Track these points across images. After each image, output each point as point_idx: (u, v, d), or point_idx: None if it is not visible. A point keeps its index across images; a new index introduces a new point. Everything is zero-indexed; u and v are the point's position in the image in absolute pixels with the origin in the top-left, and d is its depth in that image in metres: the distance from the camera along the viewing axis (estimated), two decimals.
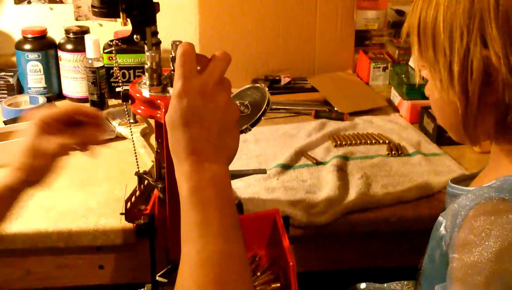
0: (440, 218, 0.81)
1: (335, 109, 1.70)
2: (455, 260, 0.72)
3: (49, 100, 1.70)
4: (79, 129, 0.99)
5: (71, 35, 1.72)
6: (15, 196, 0.95)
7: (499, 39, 0.73)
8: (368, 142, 1.51)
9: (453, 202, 0.78)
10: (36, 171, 0.96)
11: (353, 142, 1.51)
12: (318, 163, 1.40)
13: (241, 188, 1.28)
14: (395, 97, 1.74)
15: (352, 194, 1.26)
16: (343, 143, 1.50)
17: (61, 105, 1.15)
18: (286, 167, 1.37)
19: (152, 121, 1.46)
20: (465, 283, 0.69)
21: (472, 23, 0.74)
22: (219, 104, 0.74)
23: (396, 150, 1.45)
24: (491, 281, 0.67)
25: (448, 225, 0.77)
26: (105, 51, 1.68)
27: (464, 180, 0.92)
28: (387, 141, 1.51)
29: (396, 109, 1.73)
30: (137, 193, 1.14)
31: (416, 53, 0.84)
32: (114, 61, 1.40)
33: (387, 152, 1.45)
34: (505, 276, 0.67)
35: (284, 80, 1.86)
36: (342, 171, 1.35)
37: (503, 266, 0.67)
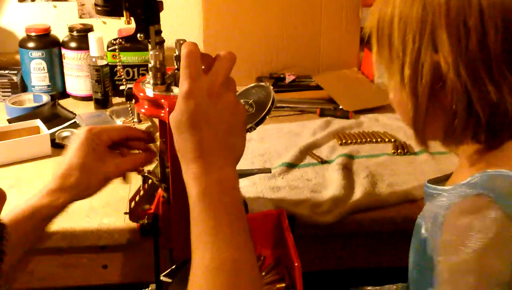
0: (418, 220, 0.82)
1: (340, 107, 1.69)
2: (441, 263, 0.72)
3: (53, 98, 1.70)
4: (128, 150, 1.00)
5: (74, 33, 1.72)
6: (58, 213, 0.95)
7: (448, 45, 0.74)
8: (374, 140, 1.50)
9: (430, 203, 0.78)
10: (90, 190, 0.96)
11: (359, 140, 1.50)
12: (323, 161, 1.39)
13: (246, 187, 1.27)
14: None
15: (358, 193, 1.25)
16: (349, 141, 1.49)
17: (113, 126, 1.16)
18: (291, 166, 1.37)
19: (156, 120, 1.46)
20: (454, 284, 0.69)
21: (424, 27, 0.75)
22: (227, 105, 0.73)
23: (402, 148, 1.45)
24: (479, 279, 0.67)
25: (429, 227, 0.77)
26: (109, 49, 1.68)
27: (442, 180, 0.91)
28: (393, 140, 1.50)
29: None
30: (141, 193, 1.13)
31: (374, 52, 0.85)
32: (118, 60, 1.40)
33: (393, 151, 1.44)
34: (491, 272, 0.67)
35: (289, 78, 1.85)
36: (347, 170, 1.34)
37: (489, 262, 0.67)
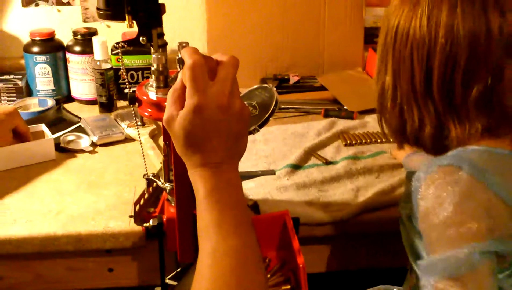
0: (401, 204, 0.99)
1: (345, 107, 1.69)
2: (426, 229, 0.83)
3: (58, 102, 1.70)
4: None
5: (79, 37, 1.72)
6: None
7: (391, 71, 0.92)
8: (379, 140, 1.50)
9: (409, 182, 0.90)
10: None
11: (363, 141, 1.49)
12: (328, 162, 1.39)
13: (253, 188, 1.27)
14: None
15: (369, 192, 1.25)
16: (353, 142, 1.49)
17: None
18: (295, 167, 1.36)
19: (160, 123, 1.46)
20: (441, 240, 0.80)
21: (385, 51, 0.94)
22: (235, 113, 0.74)
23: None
24: (461, 230, 0.78)
25: (412, 204, 0.88)
26: (113, 52, 1.68)
27: None
28: None
29: None
30: (146, 196, 1.13)
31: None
32: (121, 63, 1.40)
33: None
34: (469, 223, 0.78)
35: (293, 79, 1.85)
36: (353, 170, 1.34)
37: (464, 217, 0.79)
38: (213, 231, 0.72)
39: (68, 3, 1.86)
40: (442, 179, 0.82)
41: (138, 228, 1.12)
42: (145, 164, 1.11)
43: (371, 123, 1.61)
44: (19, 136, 1.39)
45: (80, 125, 1.57)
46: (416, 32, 0.87)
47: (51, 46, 1.74)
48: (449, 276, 0.77)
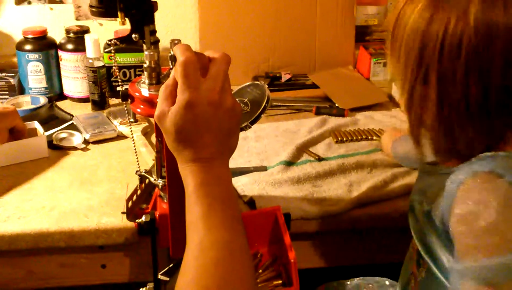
0: (415, 197, 0.92)
1: (336, 105, 1.70)
2: (460, 233, 0.78)
3: (50, 100, 1.71)
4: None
5: (71, 35, 1.72)
6: None
7: (435, 84, 0.81)
8: (370, 137, 1.51)
9: (435, 179, 0.86)
10: None
11: (354, 138, 1.51)
12: (320, 159, 1.40)
13: (247, 184, 1.27)
14: (396, 93, 1.74)
15: (362, 187, 1.27)
16: (344, 139, 1.50)
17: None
18: (289, 163, 1.37)
19: (153, 120, 1.46)
20: (480, 246, 0.75)
21: (418, 57, 0.83)
22: (226, 109, 0.75)
23: None
24: (505, 238, 0.74)
25: (436, 203, 0.84)
26: (105, 50, 1.68)
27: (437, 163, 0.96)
28: None
29: (397, 104, 1.72)
30: (138, 192, 1.14)
31: (388, 48, 0.91)
32: (113, 61, 1.41)
33: None
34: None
35: (285, 77, 1.86)
36: (346, 167, 1.35)
37: (508, 225, 0.74)
38: (201, 224, 0.72)
39: (61, 1, 1.86)
40: (484, 185, 0.78)
41: (130, 224, 1.13)
42: (137, 161, 1.12)
43: (362, 120, 1.63)
44: (17, 136, 1.39)
45: (72, 123, 1.57)
46: (469, 48, 0.76)
47: (43, 44, 1.74)
48: (489, 283, 0.74)
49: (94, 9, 0.94)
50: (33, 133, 1.45)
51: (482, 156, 0.81)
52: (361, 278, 1.25)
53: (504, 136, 0.82)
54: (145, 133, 1.52)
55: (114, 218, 1.16)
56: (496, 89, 0.78)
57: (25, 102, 1.70)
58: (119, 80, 1.18)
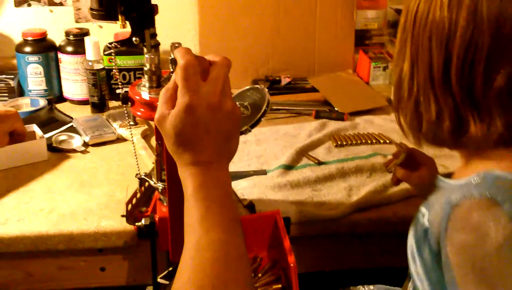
0: (422, 209, 0.84)
1: (336, 109, 1.70)
2: (461, 263, 0.73)
3: (50, 102, 1.70)
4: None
5: (71, 37, 1.72)
6: None
7: (409, 58, 0.84)
8: (369, 142, 1.51)
9: (440, 194, 0.81)
10: None
11: (354, 142, 1.51)
12: (320, 163, 1.40)
13: (247, 188, 1.27)
14: None
15: (362, 191, 1.27)
16: (344, 143, 1.50)
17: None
18: (288, 167, 1.37)
19: (152, 123, 1.46)
20: (479, 280, 0.71)
21: (404, 37, 0.85)
22: (226, 113, 0.75)
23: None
24: (504, 269, 0.70)
25: (432, 219, 0.79)
26: (105, 53, 1.68)
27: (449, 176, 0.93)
28: (388, 141, 1.51)
29: None
30: (138, 195, 1.14)
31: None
32: (114, 64, 1.40)
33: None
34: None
35: (285, 81, 1.86)
36: (345, 171, 1.35)
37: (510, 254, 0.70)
38: (199, 225, 0.72)
39: (61, 4, 1.86)
40: (481, 212, 0.73)
41: (130, 227, 1.13)
42: (137, 164, 1.12)
43: (362, 124, 1.63)
44: (17, 139, 1.38)
45: (72, 125, 1.57)
46: (436, 14, 0.79)
47: (43, 46, 1.74)
48: None
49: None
50: (31, 136, 1.45)
51: (482, 174, 0.78)
52: (373, 286, 1.23)
53: (468, 117, 0.80)
54: (145, 136, 1.52)
55: (114, 221, 1.16)
56: (457, 62, 0.79)
57: (25, 104, 1.70)
58: (119, 83, 1.18)
